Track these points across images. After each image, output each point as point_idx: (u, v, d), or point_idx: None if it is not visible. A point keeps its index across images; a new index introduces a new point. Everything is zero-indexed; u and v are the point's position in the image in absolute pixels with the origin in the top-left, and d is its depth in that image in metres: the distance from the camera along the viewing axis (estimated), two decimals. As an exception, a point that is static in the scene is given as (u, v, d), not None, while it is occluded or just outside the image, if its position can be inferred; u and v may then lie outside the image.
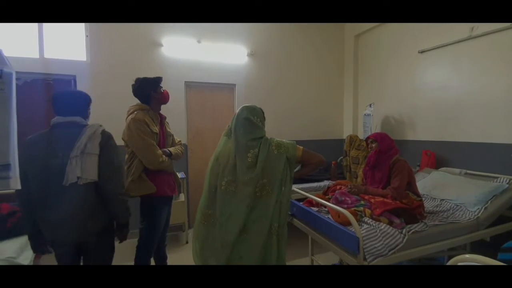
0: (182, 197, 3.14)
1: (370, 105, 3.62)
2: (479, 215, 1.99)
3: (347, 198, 1.94)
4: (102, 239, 1.43)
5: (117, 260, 2.19)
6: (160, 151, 1.81)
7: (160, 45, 3.27)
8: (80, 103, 1.47)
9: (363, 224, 1.69)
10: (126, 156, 1.84)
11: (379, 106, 3.65)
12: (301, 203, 2.12)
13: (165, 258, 2.12)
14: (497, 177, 2.34)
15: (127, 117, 1.83)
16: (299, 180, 2.78)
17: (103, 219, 1.41)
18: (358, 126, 4.13)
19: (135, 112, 1.80)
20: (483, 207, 2.04)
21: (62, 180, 1.27)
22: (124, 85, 3.07)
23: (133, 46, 3.18)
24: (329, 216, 1.87)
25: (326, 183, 3.31)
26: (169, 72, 3.27)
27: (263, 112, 1.50)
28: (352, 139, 3.78)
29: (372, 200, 1.87)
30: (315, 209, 2.04)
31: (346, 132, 4.30)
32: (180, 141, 2.13)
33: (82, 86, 3.00)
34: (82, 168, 1.29)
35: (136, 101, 1.91)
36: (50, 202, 1.30)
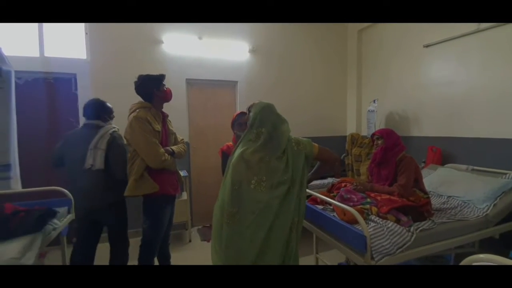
0: (184, 195, 3.12)
1: (374, 101, 3.57)
2: (488, 212, 1.95)
3: (353, 196, 1.90)
4: (113, 209, 1.90)
5: (120, 260, 2.18)
6: (162, 150, 1.78)
7: (161, 42, 3.24)
8: (99, 110, 1.96)
9: (369, 222, 1.66)
10: (128, 155, 1.81)
11: (383, 102, 3.61)
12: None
13: (168, 257, 2.11)
14: (505, 173, 2.29)
15: (129, 115, 1.80)
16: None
17: (112, 195, 1.85)
18: (362, 122, 4.09)
19: (137, 110, 1.77)
20: (492, 204, 2.00)
21: (83, 165, 1.77)
22: (125, 82, 3.03)
23: (134, 44, 3.14)
24: (335, 214, 1.84)
25: (330, 180, 3.28)
26: (170, 69, 3.23)
27: None
28: (354, 137, 3.74)
29: (379, 198, 1.84)
30: (320, 207, 2.01)
31: (350, 128, 4.25)
32: (182, 139, 2.11)
33: (82, 84, 2.97)
34: (93, 159, 1.77)
35: (138, 98, 1.88)
36: (76, 181, 1.84)
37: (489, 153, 2.57)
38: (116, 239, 1.96)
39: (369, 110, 3.63)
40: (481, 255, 0.99)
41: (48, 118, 2.93)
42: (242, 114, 2.15)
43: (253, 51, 3.68)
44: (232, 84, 3.73)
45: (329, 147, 1.54)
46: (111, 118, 2.04)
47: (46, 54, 2.91)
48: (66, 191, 2.22)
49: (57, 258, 2.27)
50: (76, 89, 2.98)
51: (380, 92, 3.75)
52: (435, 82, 3.06)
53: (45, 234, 1.90)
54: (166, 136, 1.92)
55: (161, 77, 1.89)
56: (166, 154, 1.79)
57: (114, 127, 1.94)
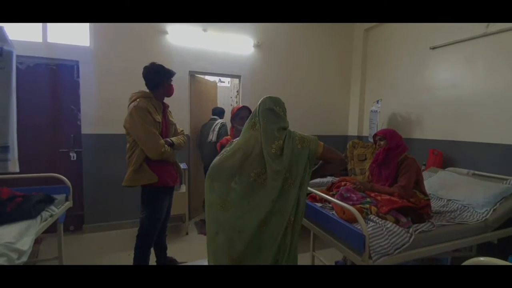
0: (183, 188, 3.11)
1: (378, 101, 3.54)
2: (487, 217, 1.94)
3: (353, 195, 1.89)
4: None
5: (118, 249, 2.17)
6: (162, 141, 1.76)
7: (165, 32, 3.20)
8: (218, 112, 3.52)
9: (369, 222, 1.65)
10: (128, 145, 1.79)
11: (386, 103, 3.57)
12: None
13: (165, 248, 2.10)
14: (506, 179, 2.28)
15: (129, 104, 1.78)
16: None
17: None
18: (364, 122, 4.06)
19: (138, 100, 1.75)
20: (492, 209, 1.98)
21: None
22: (127, 72, 3.02)
23: (138, 33, 3.11)
24: (334, 212, 1.83)
25: (329, 179, 3.27)
26: (174, 60, 3.20)
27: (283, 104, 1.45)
28: (355, 143, 3.65)
29: (379, 198, 1.82)
30: (318, 204, 2.00)
31: (351, 128, 4.23)
32: (182, 130, 2.09)
33: (85, 71, 2.95)
34: (212, 136, 3.21)
35: (138, 88, 1.86)
36: (203, 147, 3.36)
37: (490, 158, 2.56)
38: None
39: (372, 111, 3.60)
40: (481, 258, 0.98)
41: (49, 104, 2.91)
42: (243, 108, 2.14)
43: (257, 46, 3.65)
44: (235, 78, 3.70)
45: (330, 146, 1.49)
46: (223, 115, 3.54)
47: (49, 40, 2.88)
48: (65, 178, 2.20)
49: (53, 245, 2.26)
50: (78, 76, 2.95)
51: (384, 92, 3.72)
52: (440, 85, 3.03)
53: (42, 220, 1.89)
54: (166, 127, 1.90)
55: (172, 72, 1.90)
56: (166, 146, 1.78)
57: (222, 120, 3.38)
